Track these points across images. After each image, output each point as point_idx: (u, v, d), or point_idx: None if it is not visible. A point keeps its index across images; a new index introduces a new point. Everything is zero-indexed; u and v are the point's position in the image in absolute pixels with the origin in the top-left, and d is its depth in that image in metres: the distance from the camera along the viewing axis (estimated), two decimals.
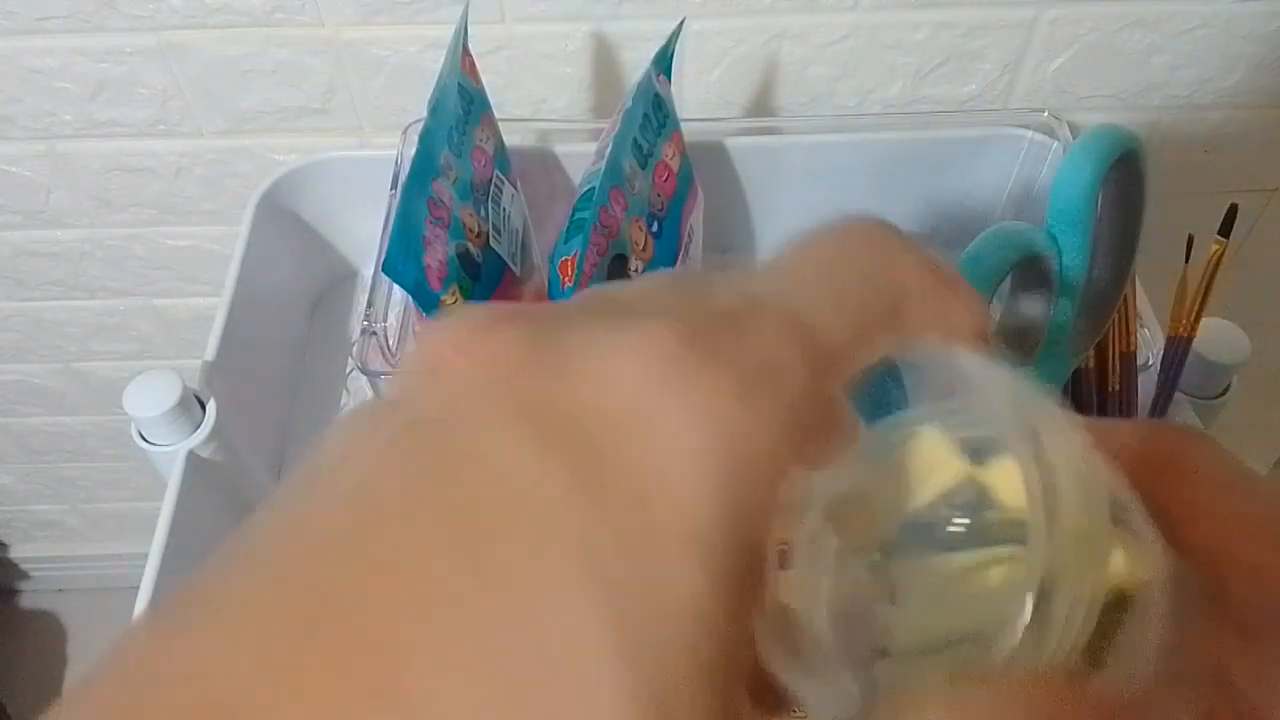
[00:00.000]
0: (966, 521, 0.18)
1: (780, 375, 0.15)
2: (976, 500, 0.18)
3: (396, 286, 0.49)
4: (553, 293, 0.50)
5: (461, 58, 0.52)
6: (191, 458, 0.51)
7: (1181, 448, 0.19)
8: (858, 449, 0.19)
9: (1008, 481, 0.18)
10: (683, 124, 0.56)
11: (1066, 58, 0.64)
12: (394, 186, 0.55)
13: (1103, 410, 0.51)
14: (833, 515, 0.18)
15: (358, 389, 0.65)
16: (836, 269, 0.18)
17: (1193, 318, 0.52)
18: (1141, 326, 0.50)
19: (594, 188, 0.49)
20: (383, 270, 0.47)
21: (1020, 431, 0.18)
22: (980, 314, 0.19)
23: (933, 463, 0.19)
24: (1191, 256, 0.51)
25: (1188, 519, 0.18)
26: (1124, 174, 0.38)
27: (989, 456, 0.18)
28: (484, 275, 0.51)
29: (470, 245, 0.50)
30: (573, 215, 0.50)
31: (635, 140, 0.52)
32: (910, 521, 0.19)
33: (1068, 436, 0.18)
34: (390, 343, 0.51)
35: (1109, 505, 0.17)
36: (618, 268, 0.50)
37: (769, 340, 0.16)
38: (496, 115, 0.56)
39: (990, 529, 0.18)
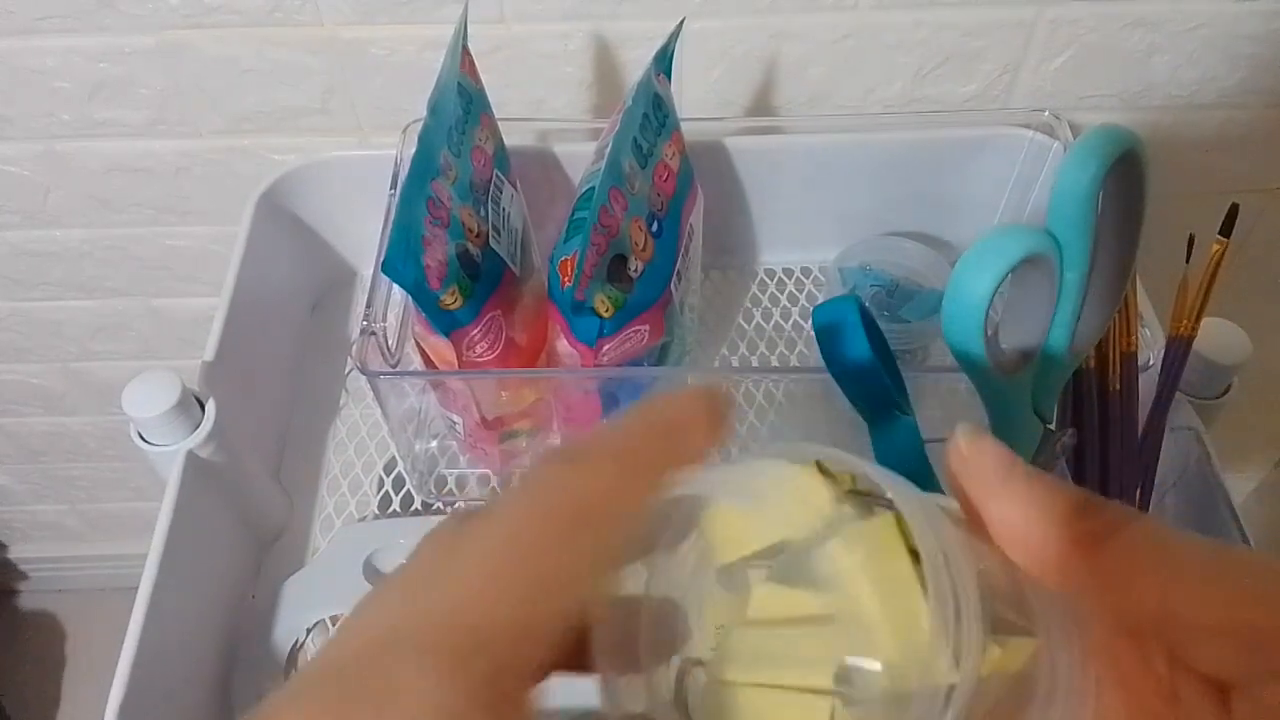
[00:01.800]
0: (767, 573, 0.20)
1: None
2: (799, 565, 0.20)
3: (396, 286, 0.49)
4: (553, 292, 0.50)
5: (461, 57, 0.52)
6: (191, 458, 0.51)
7: (1116, 524, 0.20)
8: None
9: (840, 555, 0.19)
10: (683, 123, 0.56)
11: (1067, 57, 0.64)
12: (393, 186, 0.55)
13: (1104, 410, 0.51)
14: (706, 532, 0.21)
15: (357, 389, 0.65)
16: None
17: (1193, 318, 0.52)
18: (1142, 326, 0.50)
19: (594, 187, 0.48)
20: (382, 270, 0.47)
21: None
22: None
23: (802, 502, 0.20)
24: (1192, 256, 0.51)
25: (1127, 586, 0.20)
26: (1125, 174, 0.38)
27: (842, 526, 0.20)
28: (483, 275, 0.51)
29: (470, 245, 0.50)
30: (572, 215, 0.50)
31: (635, 140, 0.51)
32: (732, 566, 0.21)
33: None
34: (389, 343, 0.51)
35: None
36: (617, 267, 0.50)
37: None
38: (496, 115, 0.55)
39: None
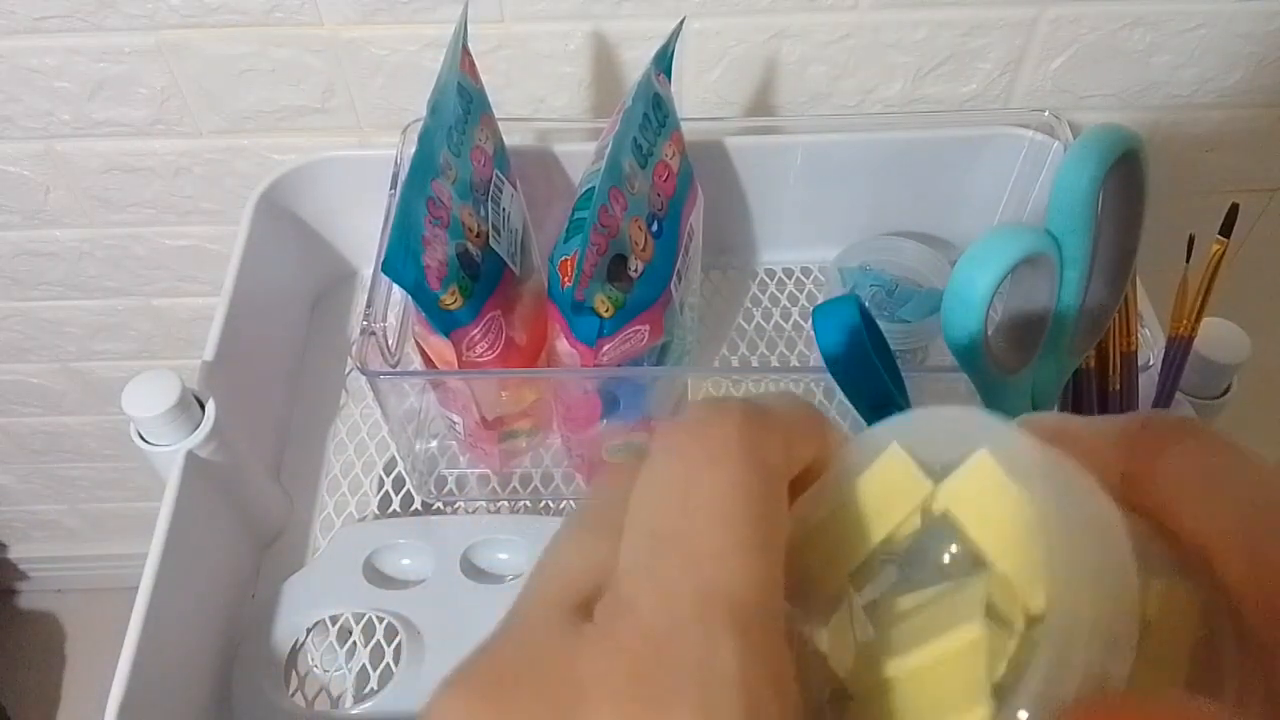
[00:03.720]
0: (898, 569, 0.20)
1: None
2: (928, 539, 0.19)
3: (396, 286, 0.49)
4: (552, 292, 0.50)
5: (461, 57, 0.52)
6: (190, 458, 0.51)
7: (1164, 445, 0.19)
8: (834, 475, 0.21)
9: (964, 503, 0.19)
10: (683, 123, 0.56)
11: (1067, 57, 0.64)
12: (393, 186, 0.55)
13: (1104, 410, 0.51)
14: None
15: (357, 389, 0.65)
16: None
17: (1193, 317, 0.52)
18: (1142, 326, 0.50)
19: (594, 187, 0.48)
20: (382, 270, 0.47)
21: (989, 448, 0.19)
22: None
23: (896, 488, 0.20)
24: (1192, 256, 0.51)
25: (1176, 519, 0.18)
26: (1125, 174, 0.38)
27: (949, 476, 0.19)
28: (483, 275, 0.51)
29: (470, 245, 0.50)
30: (572, 215, 0.50)
31: (635, 140, 0.51)
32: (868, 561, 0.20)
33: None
34: (390, 342, 0.51)
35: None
36: (617, 267, 0.50)
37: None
38: (496, 115, 0.55)
39: (944, 567, 0.19)
